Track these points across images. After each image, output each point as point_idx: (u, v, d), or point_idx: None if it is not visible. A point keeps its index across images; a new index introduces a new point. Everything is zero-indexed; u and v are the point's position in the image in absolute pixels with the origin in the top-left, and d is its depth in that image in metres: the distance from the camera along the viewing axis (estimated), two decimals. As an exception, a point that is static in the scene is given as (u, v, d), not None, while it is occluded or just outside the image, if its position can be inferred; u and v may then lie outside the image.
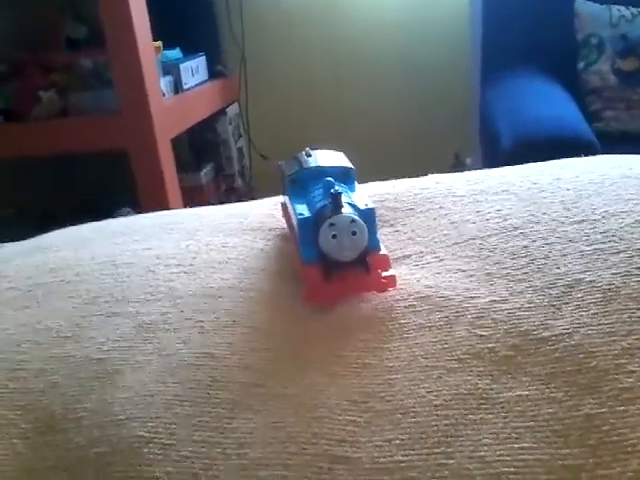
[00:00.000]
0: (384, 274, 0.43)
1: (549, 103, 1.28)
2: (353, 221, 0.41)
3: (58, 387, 0.40)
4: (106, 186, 1.98)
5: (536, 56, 1.55)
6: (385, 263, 0.43)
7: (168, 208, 1.70)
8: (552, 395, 0.35)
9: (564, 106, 1.26)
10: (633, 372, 0.34)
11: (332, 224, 0.41)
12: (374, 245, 0.44)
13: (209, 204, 2.21)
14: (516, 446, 0.33)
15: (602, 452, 0.32)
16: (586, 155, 1.11)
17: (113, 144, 1.65)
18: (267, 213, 0.59)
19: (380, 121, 2.16)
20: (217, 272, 0.49)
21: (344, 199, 0.43)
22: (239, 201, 2.36)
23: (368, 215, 0.43)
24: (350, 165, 0.50)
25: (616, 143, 1.31)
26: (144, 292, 0.47)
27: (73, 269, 0.52)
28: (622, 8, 1.45)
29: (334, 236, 0.42)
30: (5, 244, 0.74)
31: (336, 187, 0.45)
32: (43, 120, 1.65)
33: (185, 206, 1.80)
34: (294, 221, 0.46)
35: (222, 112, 2.09)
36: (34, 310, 0.48)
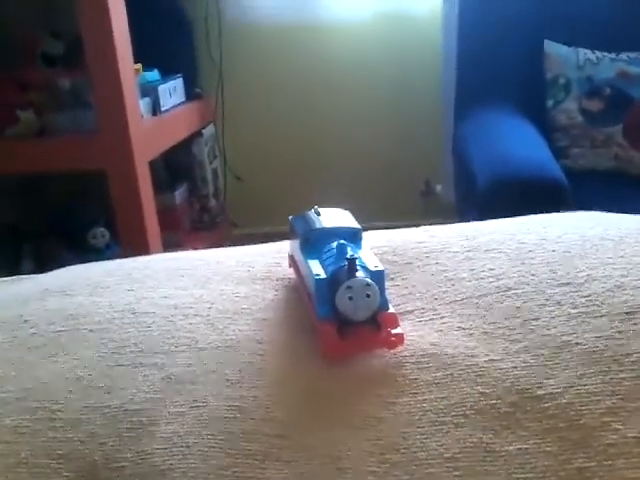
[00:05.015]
0: (393, 332, 0.47)
1: (522, 142, 1.35)
2: (368, 285, 0.46)
3: (97, 437, 0.43)
4: (78, 205, 1.98)
5: (508, 92, 1.63)
6: (394, 321, 0.48)
7: (144, 229, 1.73)
8: (547, 449, 0.39)
9: (536, 145, 1.34)
10: (617, 430, 0.39)
11: (349, 287, 0.46)
12: (383, 304, 0.48)
13: (183, 224, 2.20)
14: (518, 496, 0.37)
15: (593, 502, 0.37)
16: (558, 194, 1.18)
17: (91, 165, 1.67)
18: (272, 262, 0.63)
19: (353, 147, 2.22)
20: (233, 323, 0.53)
21: (358, 262, 0.47)
22: (213, 221, 2.35)
23: (378, 277, 0.48)
24: (358, 226, 0.54)
25: (583, 180, 1.39)
26: (167, 343, 0.51)
27: (93, 317, 0.56)
28: (588, 52, 1.55)
29: (350, 298, 0.46)
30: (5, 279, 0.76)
31: (349, 250, 0.49)
32: (20, 139, 1.65)
33: (160, 226, 1.82)
34: (309, 279, 0.50)
35: (198, 133, 2.12)
36: (62, 359, 0.51)
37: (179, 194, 2.09)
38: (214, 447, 0.41)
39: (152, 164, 1.75)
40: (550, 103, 1.58)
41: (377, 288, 0.46)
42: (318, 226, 0.54)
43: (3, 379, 0.50)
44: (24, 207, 2.00)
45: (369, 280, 0.46)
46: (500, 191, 1.16)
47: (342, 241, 0.50)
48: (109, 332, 0.53)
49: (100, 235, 1.84)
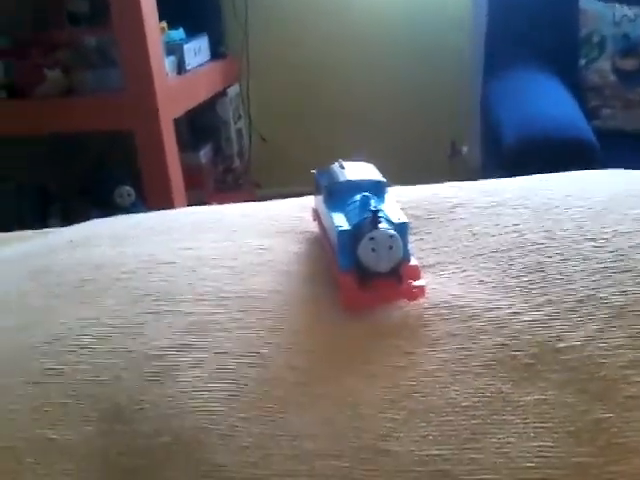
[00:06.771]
0: (414, 284, 0.47)
1: (552, 101, 1.32)
2: (391, 236, 0.46)
3: (121, 380, 0.44)
4: (104, 164, 2.00)
5: (539, 50, 1.59)
6: (416, 273, 0.48)
7: (169, 187, 1.74)
8: (566, 400, 0.39)
9: (566, 105, 1.31)
10: (638, 382, 0.39)
11: (372, 238, 0.46)
12: (406, 256, 0.48)
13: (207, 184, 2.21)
14: (535, 444, 0.38)
15: (609, 452, 0.37)
16: (587, 155, 1.16)
17: (117, 124, 1.68)
18: (296, 216, 0.63)
19: (379, 107, 2.20)
20: (258, 275, 0.53)
21: (381, 214, 0.47)
22: (237, 181, 2.35)
23: (402, 229, 0.48)
24: (382, 179, 0.54)
25: (613, 141, 1.36)
26: (191, 292, 0.51)
27: (118, 267, 0.56)
28: (625, 7, 1.50)
29: (373, 249, 0.46)
30: (28, 232, 0.77)
31: (372, 202, 0.49)
32: (48, 98, 1.66)
33: (185, 185, 1.83)
34: (332, 231, 0.50)
35: (223, 93, 2.11)
36: (87, 306, 0.52)
37: (204, 154, 2.09)
38: (235, 391, 0.42)
39: (177, 124, 1.75)
40: (583, 62, 1.54)
41: (400, 240, 0.46)
42: (342, 179, 0.54)
43: (31, 325, 0.51)
44: (52, 167, 2.02)
45: (392, 231, 0.46)
46: (527, 151, 1.14)
47: (366, 193, 0.50)
48: (133, 281, 0.54)
49: (126, 194, 1.86)
